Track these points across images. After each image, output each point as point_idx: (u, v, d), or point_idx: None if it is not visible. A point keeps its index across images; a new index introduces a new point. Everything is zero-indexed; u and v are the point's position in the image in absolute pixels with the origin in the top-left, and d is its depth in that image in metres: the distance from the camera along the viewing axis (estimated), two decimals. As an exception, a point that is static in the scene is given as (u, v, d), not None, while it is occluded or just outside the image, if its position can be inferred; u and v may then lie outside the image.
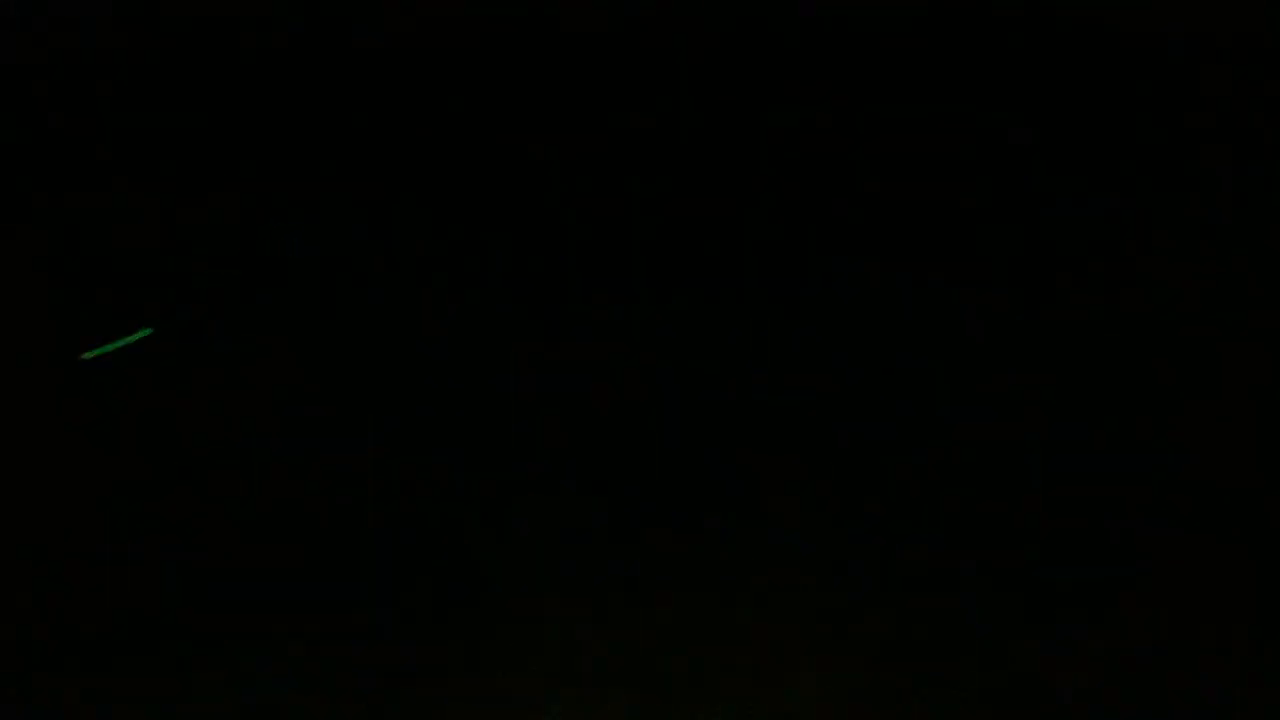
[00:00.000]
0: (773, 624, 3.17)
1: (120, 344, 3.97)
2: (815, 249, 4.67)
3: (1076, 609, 3.16)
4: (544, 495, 3.64)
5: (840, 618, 3.16)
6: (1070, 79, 4.77)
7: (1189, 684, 2.98)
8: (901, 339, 4.21)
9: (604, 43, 5.63)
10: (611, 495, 3.64)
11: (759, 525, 3.49)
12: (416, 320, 4.45)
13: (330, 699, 2.99)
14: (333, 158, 5.43)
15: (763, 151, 5.03)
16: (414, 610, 3.22)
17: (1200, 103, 4.63)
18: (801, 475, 3.65)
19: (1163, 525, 3.44)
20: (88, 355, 3.91)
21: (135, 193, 5.30)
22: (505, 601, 3.24)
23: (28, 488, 3.72)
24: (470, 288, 4.60)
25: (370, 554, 3.42)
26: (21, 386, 4.13)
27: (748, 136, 5.10)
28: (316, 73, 5.72)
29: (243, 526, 3.53)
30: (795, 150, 5.04)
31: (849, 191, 4.90)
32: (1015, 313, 4.31)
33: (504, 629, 3.18)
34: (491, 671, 3.06)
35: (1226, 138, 4.58)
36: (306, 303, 4.51)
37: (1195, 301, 4.34)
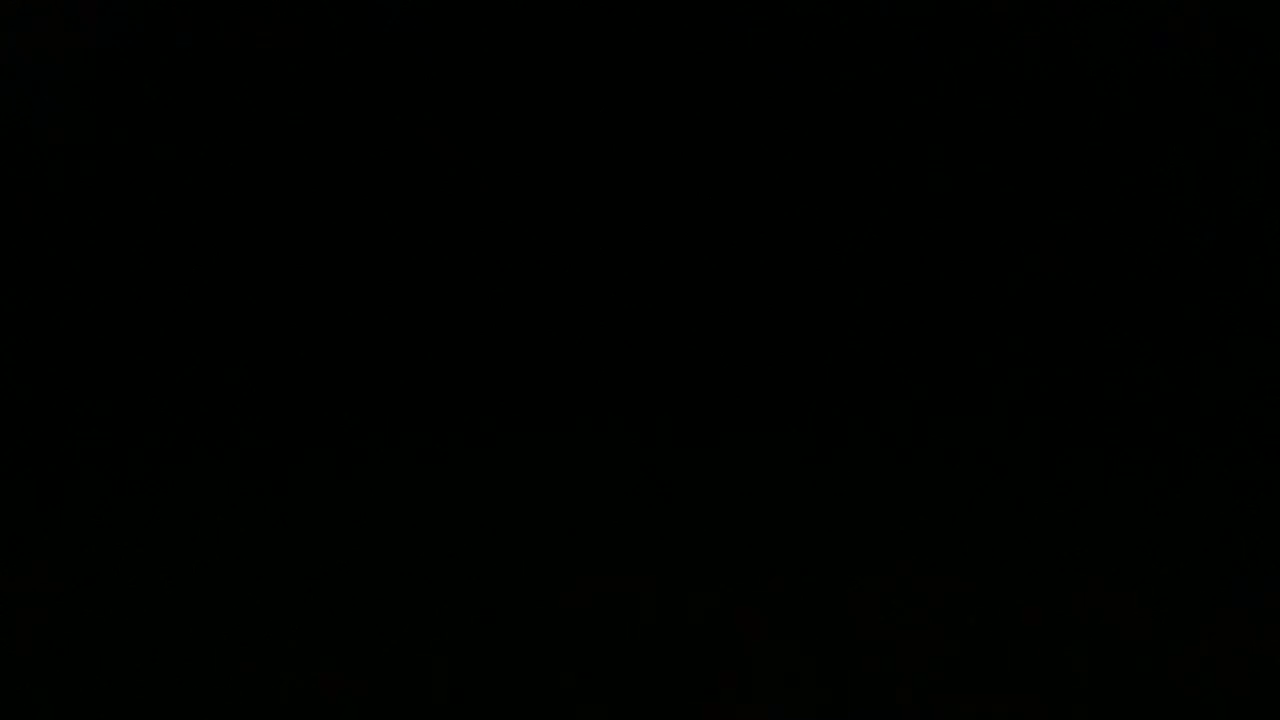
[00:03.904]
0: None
1: None
2: (814, 248, 4.66)
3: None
4: (550, 492, 3.63)
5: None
6: (1070, 79, 4.78)
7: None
8: (899, 337, 4.21)
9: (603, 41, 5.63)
10: (615, 488, 3.63)
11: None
12: (417, 320, 4.44)
13: (330, 699, 2.98)
14: (331, 156, 5.42)
15: (762, 150, 5.03)
16: (414, 611, 3.21)
17: (1200, 102, 4.65)
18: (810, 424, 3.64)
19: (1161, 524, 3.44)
20: None
21: (134, 194, 5.29)
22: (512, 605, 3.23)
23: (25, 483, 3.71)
24: (471, 286, 4.59)
25: (370, 554, 3.41)
26: (19, 380, 4.12)
27: (747, 134, 5.09)
28: (314, 71, 5.71)
29: (241, 524, 3.52)
30: (794, 149, 5.04)
31: (846, 190, 4.89)
32: (1014, 313, 4.30)
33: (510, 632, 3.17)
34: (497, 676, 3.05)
35: (1226, 137, 4.59)
36: (305, 301, 4.50)
37: (1195, 301, 4.34)
